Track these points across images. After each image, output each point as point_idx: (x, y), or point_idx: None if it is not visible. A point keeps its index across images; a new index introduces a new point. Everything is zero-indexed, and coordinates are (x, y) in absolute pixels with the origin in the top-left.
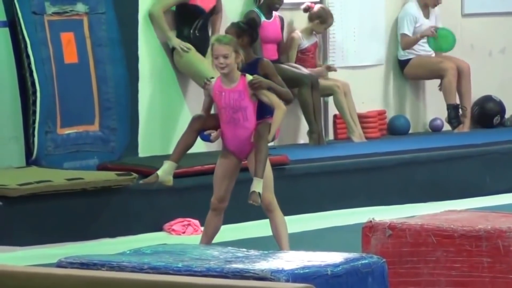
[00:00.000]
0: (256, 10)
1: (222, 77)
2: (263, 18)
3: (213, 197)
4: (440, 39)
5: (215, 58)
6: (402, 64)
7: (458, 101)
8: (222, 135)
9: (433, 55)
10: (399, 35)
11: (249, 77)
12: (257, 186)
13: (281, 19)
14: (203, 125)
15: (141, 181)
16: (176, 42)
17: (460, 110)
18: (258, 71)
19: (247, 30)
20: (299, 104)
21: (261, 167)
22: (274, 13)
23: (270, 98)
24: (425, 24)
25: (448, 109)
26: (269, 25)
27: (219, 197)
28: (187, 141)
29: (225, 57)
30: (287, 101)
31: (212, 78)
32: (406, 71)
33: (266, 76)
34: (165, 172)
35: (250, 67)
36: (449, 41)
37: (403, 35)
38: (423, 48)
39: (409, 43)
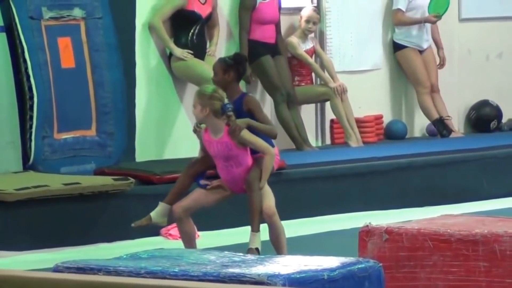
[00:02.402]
0: None
1: (208, 127)
2: (259, 0)
3: (177, 203)
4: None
5: None
6: (396, 47)
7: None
8: (220, 176)
9: (427, 43)
10: (393, 10)
11: None
12: (254, 241)
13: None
14: (198, 171)
15: (133, 224)
16: (179, 52)
17: (445, 121)
18: (243, 106)
19: (233, 65)
20: (279, 122)
21: (255, 220)
22: None
23: (256, 144)
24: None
25: (434, 125)
26: (266, 6)
27: (183, 206)
28: (182, 186)
29: (193, 106)
30: (271, 137)
31: (202, 124)
32: (397, 55)
33: (250, 111)
34: (158, 214)
35: (237, 102)
36: (444, 5)
37: (397, 10)
38: (416, 42)
39: (403, 22)
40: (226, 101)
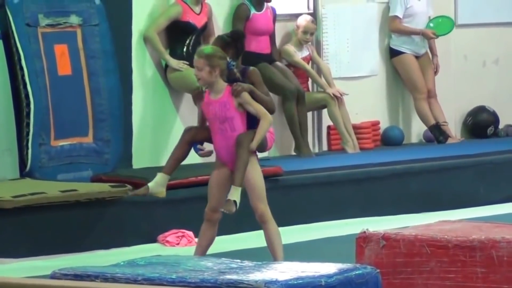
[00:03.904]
0: (246, 2)
1: (209, 89)
2: (253, 11)
3: (206, 207)
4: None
5: (195, 69)
6: (393, 53)
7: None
8: (213, 146)
9: (424, 50)
10: (389, 17)
11: None
12: (233, 194)
13: (273, 10)
14: (195, 137)
15: (130, 193)
16: (174, 63)
17: (441, 127)
18: (246, 79)
19: (230, 43)
20: (285, 118)
21: (239, 175)
22: (265, 4)
23: (256, 108)
24: (415, 5)
25: (431, 131)
26: (260, 17)
27: (212, 207)
28: (180, 153)
29: (199, 70)
30: (269, 111)
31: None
32: (393, 61)
33: (252, 84)
34: (156, 184)
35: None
36: (446, 29)
37: (394, 17)
38: (413, 48)
39: (399, 30)
40: (228, 59)
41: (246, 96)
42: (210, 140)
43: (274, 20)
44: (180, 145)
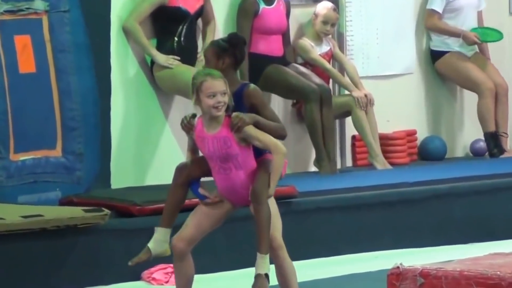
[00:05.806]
0: None
1: (204, 119)
2: (262, 5)
3: (176, 237)
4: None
5: (211, 96)
6: (434, 56)
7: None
8: (215, 182)
9: (471, 52)
10: (426, 11)
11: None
12: (263, 266)
13: (287, 4)
14: (190, 176)
15: (130, 262)
16: (163, 60)
17: (499, 137)
18: (244, 100)
19: (228, 49)
20: (305, 124)
21: (264, 239)
22: None
23: (263, 140)
24: None
25: (485, 138)
26: (270, 13)
27: (185, 237)
28: (174, 199)
29: (223, 93)
30: (280, 137)
31: (194, 115)
32: (437, 65)
33: (252, 106)
34: (158, 243)
35: (236, 95)
36: (493, 37)
37: (431, 11)
38: (459, 50)
39: (437, 28)
40: None
41: (250, 129)
42: (209, 174)
43: (288, 16)
44: (173, 190)
